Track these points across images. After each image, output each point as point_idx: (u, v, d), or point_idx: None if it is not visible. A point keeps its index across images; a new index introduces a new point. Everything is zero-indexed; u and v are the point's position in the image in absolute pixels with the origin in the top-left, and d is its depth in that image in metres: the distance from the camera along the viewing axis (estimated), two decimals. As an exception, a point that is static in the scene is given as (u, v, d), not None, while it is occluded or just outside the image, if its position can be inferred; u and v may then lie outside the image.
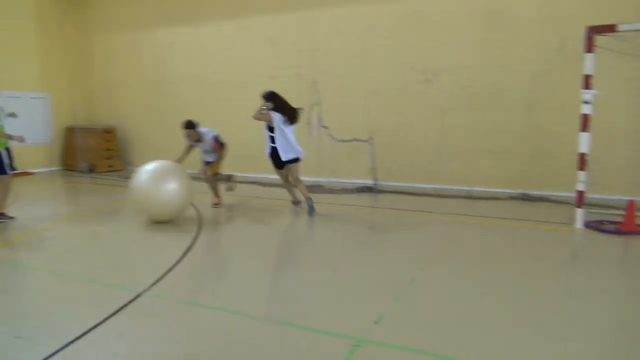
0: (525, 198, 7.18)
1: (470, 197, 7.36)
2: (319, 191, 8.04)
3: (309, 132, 8.56)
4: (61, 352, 2.68)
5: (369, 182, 8.27)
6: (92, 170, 10.90)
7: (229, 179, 7.11)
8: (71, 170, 11.40)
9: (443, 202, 7.07)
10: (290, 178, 6.50)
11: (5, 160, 5.94)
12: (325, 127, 8.57)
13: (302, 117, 8.11)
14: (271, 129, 6.23)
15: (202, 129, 6.69)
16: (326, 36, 8.48)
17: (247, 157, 9.01)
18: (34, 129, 11.23)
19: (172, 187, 5.50)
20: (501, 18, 7.24)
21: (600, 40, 5.20)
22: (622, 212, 5.54)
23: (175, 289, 3.73)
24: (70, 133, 11.59)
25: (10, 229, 5.73)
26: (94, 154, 10.90)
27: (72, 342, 2.79)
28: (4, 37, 10.64)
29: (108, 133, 11.17)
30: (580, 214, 5.46)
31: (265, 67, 9.04)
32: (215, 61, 9.86)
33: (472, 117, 7.53)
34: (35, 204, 7.40)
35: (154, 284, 3.76)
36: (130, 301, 3.41)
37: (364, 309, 3.25)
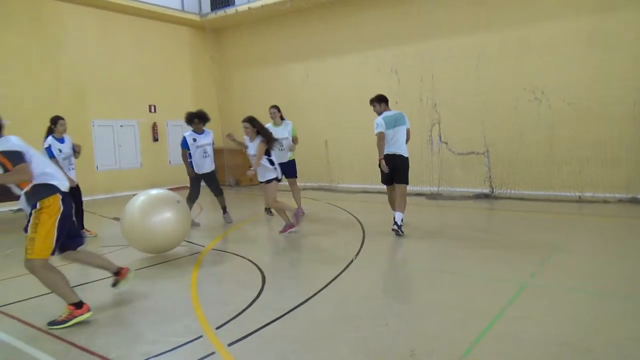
0: (635, 201, 8.07)
1: (581, 201, 8.37)
2: (440, 198, 9.46)
3: (431, 147, 10.00)
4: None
5: (484, 190, 9.51)
6: (237, 184, 13.09)
7: None
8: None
9: (557, 206, 8.16)
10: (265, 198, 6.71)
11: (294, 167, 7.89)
12: (445, 143, 9.96)
13: (422, 135, 9.65)
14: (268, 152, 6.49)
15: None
16: (442, 63, 9.92)
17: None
18: (189, 150, 13.69)
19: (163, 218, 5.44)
20: (600, 39, 8.30)
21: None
22: None
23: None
24: (218, 154, 13.92)
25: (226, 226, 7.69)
26: (238, 171, 13.08)
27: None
28: (170, 78, 13.24)
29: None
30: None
31: (389, 93, 10.62)
32: (341, 90, 11.65)
33: (578, 129, 8.59)
34: (214, 210, 9.45)
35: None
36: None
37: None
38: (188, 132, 7.58)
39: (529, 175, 9.11)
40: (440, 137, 10.01)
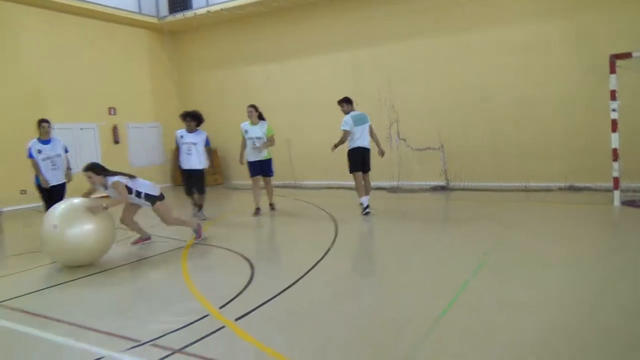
0: (573, 189, 9.03)
1: (527, 190, 9.27)
2: (400, 191, 10.13)
3: (390, 144, 10.65)
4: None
5: (441, 182, 10.26)
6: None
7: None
8: (181, 185, 13.78)
9: (505, 195, 9.01)
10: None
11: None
12: (403, 140, 10.64)
13: (381, 133, 10.28)
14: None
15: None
16: (398, 66, 10.60)
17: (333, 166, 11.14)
18: (150, 152, 13.74)
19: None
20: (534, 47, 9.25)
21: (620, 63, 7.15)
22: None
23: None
24: (178, 154, 14.00)
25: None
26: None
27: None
28: (128, 80, 13.22)
29: (212, 153, 13.51)
30: (616, 195, 7.32)
31: (348, 94, 11.21)
32: (301, 91, 12.11)
33: (518, 125, 9.51)
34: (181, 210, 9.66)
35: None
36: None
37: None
38: (181, 130, 8.02)
39: (479, 167, 9.93)
40: (398, 134, 10.68)
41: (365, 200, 7.57)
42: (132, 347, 3.20)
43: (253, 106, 8.12)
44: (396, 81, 10.60)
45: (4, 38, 10.52)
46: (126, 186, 5.69)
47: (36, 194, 7.29)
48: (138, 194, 5.82)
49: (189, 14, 13.05)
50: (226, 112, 13.26)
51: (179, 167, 8.12)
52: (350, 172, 7.75)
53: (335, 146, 7.76)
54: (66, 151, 7.32)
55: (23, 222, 9.28)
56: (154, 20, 13.51)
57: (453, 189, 9.98)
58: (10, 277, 5.27)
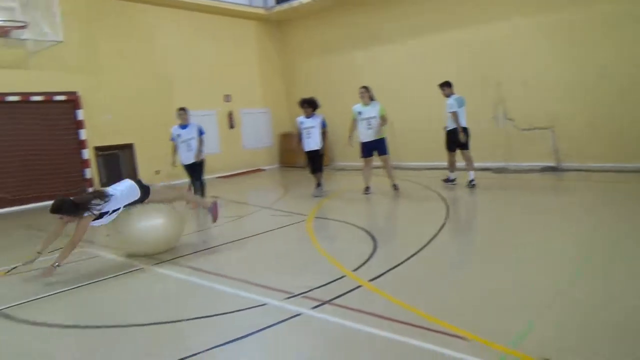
0: None
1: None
2: (507, 172, 10.05)
3: (496, 124, 10.55)
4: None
5: (551, 163, 10.00)
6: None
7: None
8: (288, 166, 14.73)
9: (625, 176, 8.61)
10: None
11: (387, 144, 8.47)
12: (511, 119, 10.49)
13: (485, 113, 10.25)
14: None
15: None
16: (504, 44, 10.39)
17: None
18: (260, 135, 14.78)
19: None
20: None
21: None
22: None
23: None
24: (285, 138, 14.94)
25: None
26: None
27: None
28: (241, 69, 14.28)
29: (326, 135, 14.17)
30: None
31: (454, 75, 11.19)
32: (404, 74, 12.31)
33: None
34: (303, 187, 10.41)
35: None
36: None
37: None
38: (301, 116, 8.78)
39: (594, 147, 9.52)
40: (505, 114, 10.53)
41: (471, 174, 8.39)
42: (288, 297, 3.84)
43: (365, 87, 8.44)
44: (503, 58, 10.43)
45: (142, 36, 11.94)
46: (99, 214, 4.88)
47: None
48: (116, 210, 5.06)
49: (295, 3, 13.72)
50: (330, 96, 13.77)
51: (303, 149, 8.85)
52: (447, 150, 8.64)
53: (461, 133, 8.25)
54: (200, 134, 8.38)
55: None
56: (262, 12, 14.39)
57: (565, 170, 9.70)
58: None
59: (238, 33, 14.24)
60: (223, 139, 13.75)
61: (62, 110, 10.36)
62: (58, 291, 4.43)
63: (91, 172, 10.83)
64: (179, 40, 12.73)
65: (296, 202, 8.49)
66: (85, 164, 10.72)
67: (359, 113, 8.45)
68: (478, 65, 10.78)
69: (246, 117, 14.38)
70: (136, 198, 5.16)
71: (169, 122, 12.27)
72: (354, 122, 8.57)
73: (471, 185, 8.27)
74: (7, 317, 3.89)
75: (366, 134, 8.40)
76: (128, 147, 11.58)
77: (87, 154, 10.72)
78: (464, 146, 8.42)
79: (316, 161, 8.77)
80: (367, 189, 8.57)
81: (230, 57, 13.95)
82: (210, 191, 10.41)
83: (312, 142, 8.60)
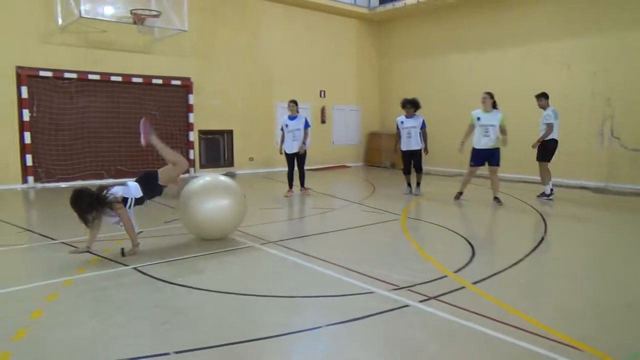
0: None
1: None
2: (607, 192, 9.56)
3: (600, 142, 10.06)
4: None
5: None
6: (393, 166, 14.17)
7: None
8: (372, 165, 14.94)
9: None
10: None
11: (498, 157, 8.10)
12: (617, 138, 9.95)
13: (590, 129, 9.80)
14: None
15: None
16: (616, 57, 9.85)
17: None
18: (348, 133, 15.08)
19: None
20: None
21: None
22: None
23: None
24: (373, 137, 15.15)
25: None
26: (394, 154, 14.07)
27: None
28: (337, 66, 14.64)
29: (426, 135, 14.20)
30: None
31: (558, 88, 10.76)
32: (504, 82, 12.02)
33: None
34: (391, 187, 10.59)
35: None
36: None
37: None
38: (401, 116, 8.95)
39: None
40: (612, 131, 10.01)
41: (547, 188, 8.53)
42: (394, 289, 4.06)
43: (489, 93, 8.09)
44: (615, 73, 9.90)
45: (252, 28, 12.66)
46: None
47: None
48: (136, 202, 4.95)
49: (398, 4, 13.83)
50: (425, 100, 13.72)
51: (399, 149, 9.04)
52: (542, 161, 8.48)
53: (539, 141, 8.35)
54: (307, 126, 8.80)
55: (251, 182, 11.20)
56: (365, 11, 14.65)
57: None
58: (269, 224, 6.75)
59: (339, 31, 14.62)
60: (314, 133, 14.15)
61: (177, 94, 11.29)
62: (176, 258, 4.94)
63: (193, 154, 11.70)
64: (283, 35, 13.34)
65: (386, 200, 8.67)
66: (190, 145, 11.60)
67: (478, 119, 8.07)
68: (584, 78, 10.31)
69: (337, 114, 14.75)
70: (141, 195, 4.94)
71: (267, 113, 13.02)
72: (470, 128, 8.21)
73: (546, 198, 8.43)
74: (142, 273, 4.45)
75: (482, 142, 7.99)
76: (228, 133, 12.36)
77: (193, 136, 11.59)
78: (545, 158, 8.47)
79: (416, 161, 8.95)
80: (459, 194, 8.51)
81: (329, 53, 14.37)
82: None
83: (413, 142, 8.77)
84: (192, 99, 11.46)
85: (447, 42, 13.51)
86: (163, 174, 5.13)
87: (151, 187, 5.05)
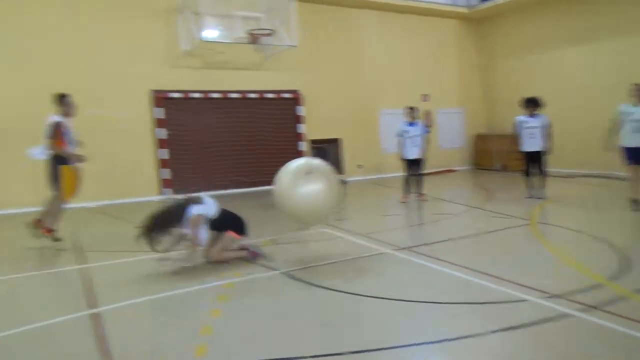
0: None
1: None
2: None
3: None
4: None
5: None
6: (505, 169, 13.60)
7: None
8: (481, 168, 14.45)
9: None
10: None
11: None
12: None
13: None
14: None
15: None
16: None
17: None
18: (452, 136, 14.74)
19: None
20: None
21: None
22: None
23: None
24: (480, 139, 14.67)
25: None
26: (505, 156, 13.49)
27: None
28: (438, 69, 14.40)
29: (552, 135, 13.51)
30: None
31: None
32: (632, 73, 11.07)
33: None
34: (508, 190, 10.19)
35: None
36: None
37: None
38: (521, 115, 8.64)
39: None
40: None
41: None
42: (548, 297, 3.92)
43: (638, 85, 7.39)
44: None
45: (352, 38, 12.93)
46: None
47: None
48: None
49: (499, 1, 13.32)
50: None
51: (521, 150, 8.61)
52: None
53: None
54: (426, 132, 8.97)
55: (363, 189, 11.39)
56: (465, 10, 14.29)
57: None
58: (394, 231, 6.83)
59: (438, 32, 14.42)
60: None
61: (287, 106, 11.83)
62: (318, 264, 5.19)
63: (304, 162, 12.15)
64: (383, 41, 13.45)
65: (507, 205, 8.37)
66: (299, 154, 12.06)
67: (630, 113, 7.31)
68: None
69: (442, 117, 14.50)
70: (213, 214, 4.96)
71: (371, 120, 13.18)
72: (617, 124, 7.49)
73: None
74: (293, 278, 4.73)
75: (632, 137, 7.26)
76: (336, 142, 12.67)
77: (303, 145, 12.06)
78: None
79: (538, 163, 8.51)
80: (635, 203, 7.37)
81: (429, 56, 14.21)
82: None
83: (536, 143, 8.37)
84: (301, 110, 11.93)
85: (559, 35, 12.72)
86: (227, 238, 5.07)
87: (222, 225, 5.04)
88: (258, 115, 11.41)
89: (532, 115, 8.44)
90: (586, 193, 9.50)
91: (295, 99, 11.92)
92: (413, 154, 8.82)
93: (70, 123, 6.32)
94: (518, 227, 6.63)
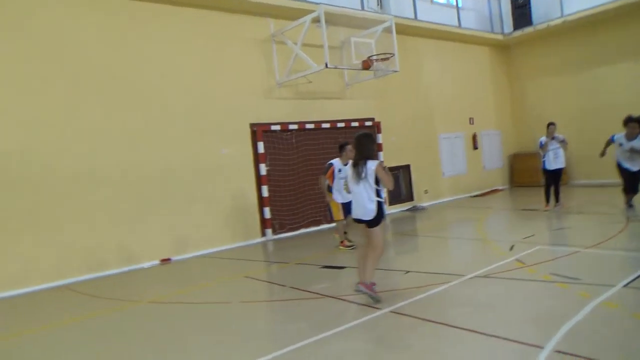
0: None
1: None
2: None
3: None
4: None
5: None
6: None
7: None
8: (521, 186, 15.05)
9: None
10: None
11: None
12: None
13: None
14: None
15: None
16: None
17: None
18: (492, 157, 15.26)
19: None
20: None
21: None
22: None
23: None
24: (516, 158, 15.33)
25: None
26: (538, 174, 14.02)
27: None
28: (479, 93, 14.89)
29: None
30: None
31: None
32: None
33: None
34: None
35: None
36: None
37: None
38: (618, 134, 8.88)
39: None
40: None
41: None
42: None
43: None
44: None
45: (413, 65, 12.96)
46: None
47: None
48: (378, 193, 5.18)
49: (540, 26, 14.09)
50: (563, 117, 13.62)
51: (619, 166, 8.89)
52: None
53: None
54: (562, 141, 9.48)
55: (458, 210, 11.32)
56: (500, 37, 14.96)
57: None
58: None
59: (476, 58, 14.94)
60: (468, 160, 14.44)
61: (368, 135, 11.54)
62: (418, 296, 5.00)
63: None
64: (437, 68, 13.67)
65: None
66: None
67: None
68: None
69: (484, 139, 14.97)
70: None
71: (432, 145, 13.25)
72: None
73: None
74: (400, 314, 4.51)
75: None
76: (406, 168, 12.60)
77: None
78: None
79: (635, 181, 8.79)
80: None
81: (470, 81, 14.66)
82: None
83: (635, 162, 8.60)
84: (379, 138, 11.73)
85: (591, 56, 13.67)
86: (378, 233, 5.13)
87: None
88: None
89: (633, 137, 8.52)
90: None
91: (375, 127, 11.71)
92: (555, 164, 9.55)
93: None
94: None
